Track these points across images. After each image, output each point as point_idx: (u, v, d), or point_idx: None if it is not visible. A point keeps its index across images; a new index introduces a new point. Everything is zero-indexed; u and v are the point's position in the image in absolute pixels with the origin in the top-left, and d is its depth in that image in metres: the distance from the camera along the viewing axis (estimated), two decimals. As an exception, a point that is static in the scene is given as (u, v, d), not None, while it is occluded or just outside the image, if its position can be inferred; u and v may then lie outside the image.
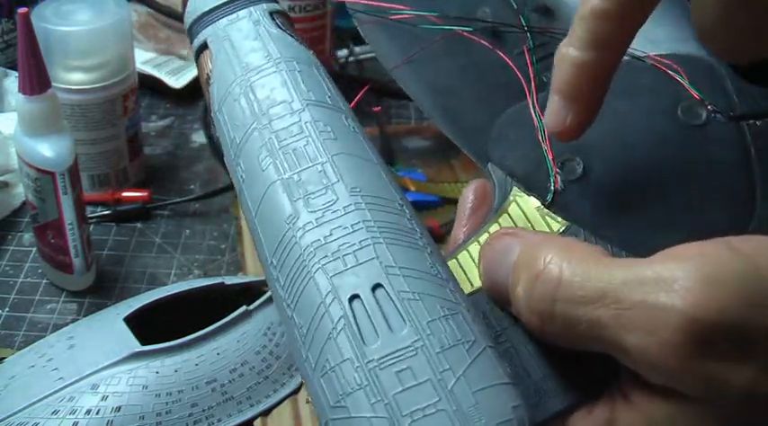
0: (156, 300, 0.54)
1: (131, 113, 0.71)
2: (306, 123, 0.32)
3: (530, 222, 0.34)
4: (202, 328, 0.51)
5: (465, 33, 0.39)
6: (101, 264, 0.66)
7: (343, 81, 0.87)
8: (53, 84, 0.57)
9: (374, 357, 0.26)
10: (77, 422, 0.47)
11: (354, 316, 0.27)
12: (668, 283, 0.24)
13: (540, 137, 0.35)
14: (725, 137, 0.35)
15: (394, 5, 0.40)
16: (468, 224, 0.35)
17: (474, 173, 0.66)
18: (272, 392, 0.51)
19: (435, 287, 0.27)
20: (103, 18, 0.66)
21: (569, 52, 0.31)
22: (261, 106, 0.33)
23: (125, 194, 0.72)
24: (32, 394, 0.48)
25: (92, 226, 0.69)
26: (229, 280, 0.57)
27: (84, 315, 0.61)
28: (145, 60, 0.85)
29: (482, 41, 0.39)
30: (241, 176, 0.32)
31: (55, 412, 0.47)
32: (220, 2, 0.37)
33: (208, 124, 0.81)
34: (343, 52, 0.90)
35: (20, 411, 0.48)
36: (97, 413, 0.47)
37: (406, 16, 0.39)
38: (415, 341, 0.26)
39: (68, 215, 0.59)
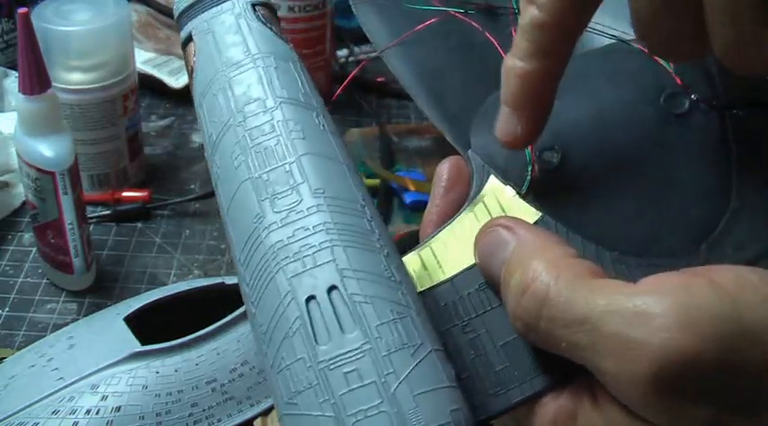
0: (156, 300, 0.54)
1: (131, 113, 0.71)
2: (278, 122, 0.32)
3: (504, 211, 0.33)
4: (202, 328, 0.51)
5: (457, 14, 0.39)
6: (101, 264, 0.66)
7: (343, 81, 0.87)
8: (53, 84, 0.57)
9: (325, 357, 0.27)
10: (77, 422, 0.47)
11: (310, 317, 0.27)
12: (646, 318, 0.25)
13: None
14: (706, 127, 0.35)
15: None
16: (441, 203, 0.35)
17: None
18: (272, 392, 0.51)
19: (387, 290, 0.28)
20: (103, 18, 0.66)
21: (514, 63, 0.31)
22: (237, 103, 0.33)
23: (125, 194, 0.72)
24: (32, 394, 0.48)
25: (92, 226, 0.69)
26: (229, 280, 0.57)
27: (84, 315, 0.61)
28: (145, 60, 0.85)
29: (472, 23, 0.38)
30: (216, 172, 0.33)
31: (55, 412, 0.47)
32: None
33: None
34: (343, 52, 0.90)
35: (20, 411, 0.48)
36: (97, 413, 0.47)
37: None
38: (364, 343, 0.27)
39: (68, 215, 0.59)
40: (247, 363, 0.51)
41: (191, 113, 0.84)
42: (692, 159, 0.34)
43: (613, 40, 0.38)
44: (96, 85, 0.67)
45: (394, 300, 0.28)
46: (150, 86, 0.84)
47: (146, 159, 0.76)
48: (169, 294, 0.55)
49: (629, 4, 0.30)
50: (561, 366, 0.29)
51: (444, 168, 0.35)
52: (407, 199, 0.72)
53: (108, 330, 0.52)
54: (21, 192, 0.70)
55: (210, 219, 0.72)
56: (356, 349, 0.27)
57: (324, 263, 0.28)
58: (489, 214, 0.34)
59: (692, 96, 0.36)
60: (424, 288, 0.32)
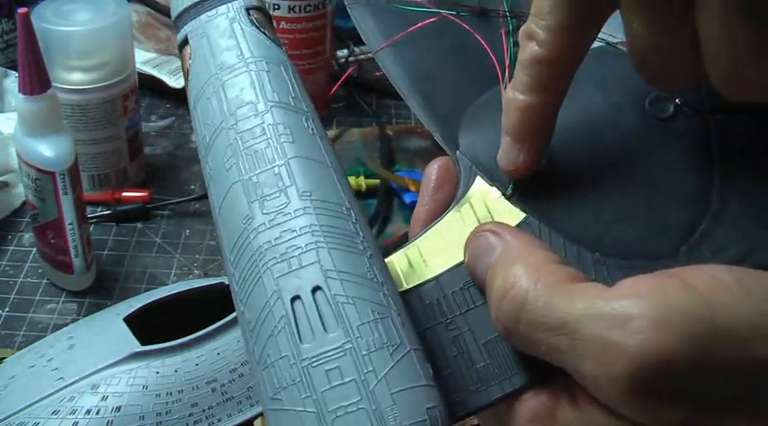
0: (156, 300, 0.54)
1: (131, 113, 0.71)
2: (268, 125, 0.33)
3: (490, 213, 0.34)
4: (202, 328, 0.51)
5: (449, 16, 0.39)
6: (101, 264, 0.66)
7: (343, 81, 0.87)
8: (53, 84, 0.57)
9: (308, 355, 0.28)
10: (77, 422, 0.47)
11: (295, 316, 0.28)
12: (623, 321, 0.26)
13: None
14: (690, 130, 0.36)
15: None
16: (430, 203, 0.36)
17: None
18: (272, 392, 0.51)
19: (369, 291, 0.29)
20: (103, 18, 0.66)
21: (515, 96, 0.33)
22: (230, 106, 0.34)
23: (125, 194, 0.72)
24: (32, 394, 0.48)
25: (92, 226, 0.69)
26: (229, 280, 0.57)
27: (84, 315, 0.61)
28: (145, 60, 0.85)
29: (464, 25, 0.39)
30: (209, 174, 0.34)
31: (55, 413, 0.48)
32: None
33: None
34: (343, 52, 0.90)
35: (20, 411, 0.48)
36: (97, 413, 0.47)
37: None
38: (345, 342, 0.28)
39: (68, 215, 0.59)
40: (247, 363, 0.51)
41: (191, 113, 0.84)
42: (676, 162, 0.35)
43: (601, 44, 0.38)
44: (96, 85, 0.67)
45: (375, 301, 0.29)
46: (150, 86, 0.84)
47: (146, 159, 0.76)
48: (169, 294, 0.55)
49: (625, 34, 0.31)
50: (541, 364, 0.29)
51: (433, 169, 0.36)
52: (407, 199, 0.72)
53: (108, 330, 0.52)
54: (21, 192, 0.70)
55: (210, 219, 0.71)
56: (338, 347, 0.28)
57: (309, 265, 0.29)
58: (475, 214, 0.34)
59: (677, 100, 0.36)
60: (410, 286, 0.33)
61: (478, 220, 0.34)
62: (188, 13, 0.38)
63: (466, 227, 0.34)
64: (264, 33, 0.37)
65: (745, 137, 0.35)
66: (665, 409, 0.26)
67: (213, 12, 0.37)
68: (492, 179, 0.35)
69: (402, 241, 0.68)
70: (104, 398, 0.48)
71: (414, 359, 0.28)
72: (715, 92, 0.37)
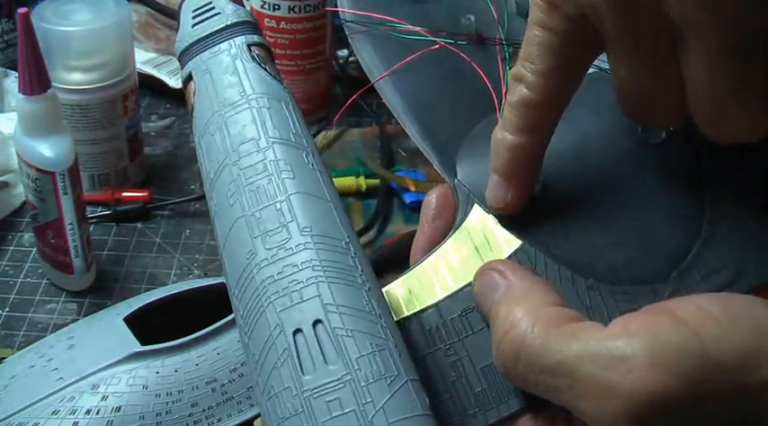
0: (156, 300, 0.55)
1: (131, 113, 0.71)
2: (270, 162, 0.34)
3: (487, 240, 0.35)
4: (202, 328, 0.51)
5: (447, 45, 0.40)
6: (101, 264, 0.66)
7: (343, 81, 0.87)
8: (53, 84, 0.57)
9: (309, 387, 0.29)
10: (77, 422, 0.47)
11: (297, 349, 0.29)
12: (617, 361, 0.27)
13: None
14: (681, 157, 0.36)
15: (384, 16, 0.40)
16: (429, 230, 0.37)
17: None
18: (272, 392, 0.51)
19: (368, 323, 0.30)
20: (103, 18, 0.66)
21: (504, 136, 0.34)
22: (233, 142, 0.35)
23: (125, 194, 0.72)
24: (32, 394, 0.48)
25: (92, 226, 0.69)
26: (229, 280, 0.57)
27: (84, 315, 0.61)
28: (145, 60, 0.85)
29: (461, 54, 0.40)
30: (214, 209, 0.35)
31: (55, 413, 0.48)
32: (204, 34, 0.39)
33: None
34: (343, 52, 0.90)
35: (20, 411, 0.48)
36: (97, 413, 0.47)
37: (397, 29, 0.40)
38: (345, 374, 0.29)
39: (68, 215, 0.59)
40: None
41: (190, 113, 0.84)
42: (667, 188, 0.36)
43: (595, 70, 0.39)
44: (96, 85, 0.67)
45: (373, 333, 0.30)
46: (150, 86, 0.84)
47: (146, 159, 0.76)
48: (169, 294, 0.55)
49: (611, 77, 0.31)
50: None
51: (432, 197, 0.38)
52: (407, 199, 0.72)
53: (108, 330, 0.52)
54: (21, 192, 0.70)
55: (209, 216, 0.72)
56: (338, 379, 0.29)
57: (310, 299, 0.30)
58: (472, 242, 0.35)
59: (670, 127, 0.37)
60: (410, 313, 0.34)
61: (476, 248, 0.35)
62: (192, 50, 0.39)
63: (464, 255, 0.35)
64: (266, 69, 0.38)
65: (736, 163, 0.36)
66: None
67: (216, 48, 0.38)
68: (489, 206, 0.36)
69: (402, 241, 0.68)
70: (104, 398, 0.48)
71: (411, 390, 0.29)
72: None
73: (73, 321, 0.61)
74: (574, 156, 0.37)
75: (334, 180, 0.77)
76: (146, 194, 0.72)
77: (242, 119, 0.36)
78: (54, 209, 0.59)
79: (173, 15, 0.89)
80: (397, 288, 0.35)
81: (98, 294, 0.64)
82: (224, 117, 0.36)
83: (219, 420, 0.50)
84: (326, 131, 0.80)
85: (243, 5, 0.41)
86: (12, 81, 0.80)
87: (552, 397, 0.29)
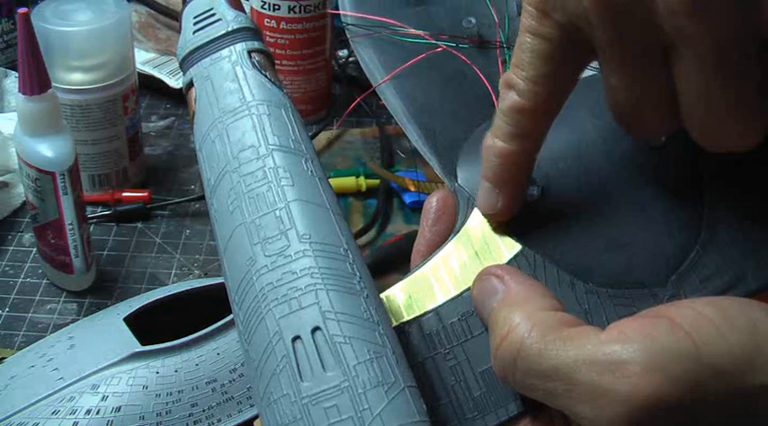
0: (156, 300, 0.54)
1: (131, 113, 0.71)
2: (269, 169, 0.34)
3: (487, 244, 0.35)
4: (202, 328, 0.51)
5: (448, 48, 0.40)
6: (101, 264, 0.66)
7: (343, 81, 0.87)
8: (53, 84, 0.56)
9: (308, 393, 0.29)
10: (77, 422, 0.47)
11: (295, 356, 0.30)
12: (613, 366, 0.27)
13: None
14: (681, 160, 0.36)
15: (386, 19, 0.40)
16: (429, 235, 0.37)
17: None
18: (272, 392, 0.51)
19: (366, 330, 0.30)
20: (103, 18, 0.66)
21: (494, 143, 0.34)
22: (233, 149, 0.35)
23: (125, 194, 0.72)
24: (32, 394, 0.48)
25: (92, 226, 0.69)
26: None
27: (85, 315, 0.61)
28: (145, 60, 0.85)
29: (462, 57, 0.40)
30: (214, 215, 0.35)
31: (55, 412, 0.48)
32: (205, 40, 0.39)
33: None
34: (343, 52, 0.90)
35: (20, 411, 0.48)
36: (97, 413, 0.47)
37: (399, 32, 0.40)
38: (343, 381, 0.29)
39: (68, 215, 0.59)
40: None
41: (190, 114, 0.84)
42: (666, 191, 0.36)
43: (595, 72, 0.38)
44: (96, 85, 0.67)
45: (371, 340, 0.30)
46: (150, 86, 0.84)
47: (146, 159, 0.76)
48: (169, 294, 0.55)
49: (604, 87, 0.31)
50: None
51: (433, 201, 0.38)
52: (407, 199, 0.72)
53: (108, 330, 0.52)
54: (21, 192, 0.70)
55: (210, 221, 0.72)
56: (336, 386, 0.29)
57: (308, 306, 0.30)
58: (472, 246, 0.35)
59: None
60: (410, 317, 0.34)
61: (476, 252, 0.35)
62: (193, 56, 0.39)
63: (464, 259, 0.35)
64: (266, 76, 0.38)
65: (735, 166, 0.36)
66: None
67: (217, 55, 0.39)
68: (481, 212, 0.35)
69: (402, 241, 0.68)
70: (104, 398, 0.48)
71: (408, 397, 0.29)
72: None
73: (73, 321, 0.61)
74: (573, 160, 0.37)
75: (334, 180, 0.77)
76: (146, 194, 0.72)
77: (242, 126, 0.36)
78: (54, 209, 0.59)
79: (173, 15, 0.89)
80: (397, 293, 0.35)
81: (98, 294, 0.64)
82: (224, 124, 0.36)
83: (219, 420, 0.50)
84: (327, 131, 0.80)
85: (244, 12, 0.41)
86: (12, 81, 0.80)
87: (550, 402, 0.29)
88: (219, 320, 0.52)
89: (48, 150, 0.57)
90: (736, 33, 0.27)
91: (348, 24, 0.41)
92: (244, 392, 0.51)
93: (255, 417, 0.50)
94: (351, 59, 0.90)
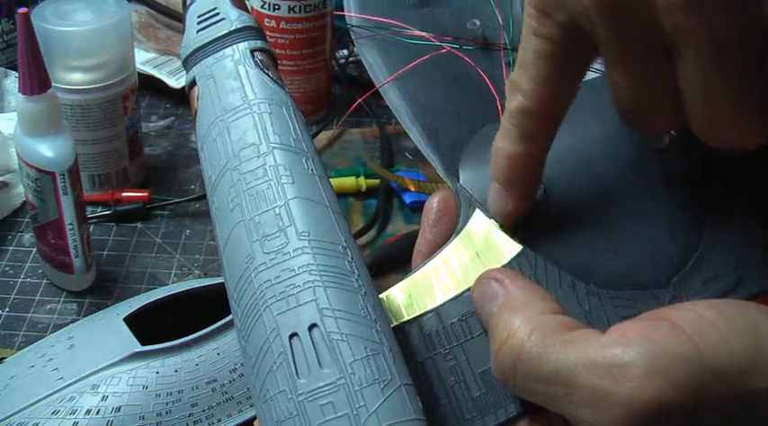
0: (156, 300, 0.54)
1: (131, 113, 0.71)
2: (270, 167, 0.34)
3: (488, 245, 0.35)
4: (202, 328, 0.51)
5: (453, 50, 0.40)
6: (101, 264, 0.66)
7: (343, 81, 0.87)
8: (53, 84, 0.56)
9: (304, 390, 0.29)
10: (77, 422, 0.47)
11: (292, 353, 0.30)
12: (614, 369, 0.27)
13: None
14: (684, 162, 0.36)
15: (390, 20, 0.41)
16: (430, 235, 0.37)
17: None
18: (272, 392, 0.51)
19: (363, 328, 0.30)
20: (103, 18, 0.66)
21: (503, 145, 0.34)
22: (234, 147, 0.35)
23: (125, 194, 0.72)
24: (32, 394, 0.48)
25: (92, 226, 0.69)
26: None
27: (85, 315, 0.61)
28: (145, 60, 0.85)
29: (466, 58, 0.40)
30: (215, 213, 0.35)
31: (55, 412, 0.48)
32: (208, 40, 0.39)
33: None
34: (343, 52, 0.90)
35: (20, 411, 0.48)
36: (97, 413, 0.47)
37: (403, 33, 0.40)
38: (339, 378, 0.29)
39: (68, 215, 0.59)
40: (247, 363, 0.51)
41: (190, 113, 0.84)
42: (669, 193, 0.36)
43: (597, 74, 0.38)
44: (96, 85, 0.67)
45: (368, 338, 0.30)
46: (150, 86, 0.84)
47: (146, 159, 0.76)
48: (169, 294, 0.55)
49: (608, 84, 0.31)
50: None
51: (434, 201, 0.37)
52: (407, 199, 0.72)
53: (108, 330, 0.52)
54: (21, 192, 0.70)
55: (210, 219, 0.72)
56: (332, 383, 0.29)
57: (306, 303, 0.30)
58: (474, 247, 0.35)
59: (672, 131, 0.36)
60: (410, 317, 0.34)
61: (477, 253, 0.35)
62: (196, 55, 0.40)
63: (465, 259, 0.35)
64: (268, 74, 0.38)
65: (738, 168, 0.36)
66: None
67: (220, 54, 0.39)
68: (491, 214, 0.35)
69: (402, 241, 0.68)
70: (104, 398, 0.48)
71: (404, 394, 0.29)
72: None
73: (73, 321, 0.61)
74: (576, 161, 0.37)
75: (334, 180, 0.77)
76: (146, 194, 0.72)
77: (243, 124, 0.36)
78: (54, 209, 0.59)
79: (173, 15, 0.89)
80: (397, 293, 0.35)
81: (98, 294, 0.64)
82: (226, 122, 0.36)
83: (219, 420, 0.50)
84: (327, 131, 0.80)
85: (248, 11, 0.41)
86: (12, 81, 0.80)
87: (550, 405, 0.29)
88: (219, 320, 0.52)
89: (48, 150, 0.57)
90: (736, 27, 0.27)
91: (352, 26, 0.42)
92: (244, 392, 0.51)
93: (255, 417, 0.50)
94: (351, 59, 0.90)
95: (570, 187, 0.36)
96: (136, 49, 0.71)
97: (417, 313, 0.34)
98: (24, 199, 0.66)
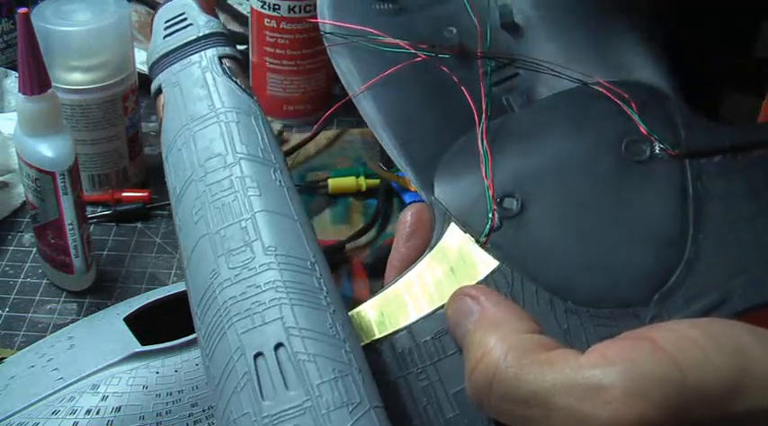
0: (156, 300, 0.54)
1: (131, 113, 0.71)
2: (236, 178, 0.33)
3: (463, 260, 0.34)
4: (202, 328, 0.51)
5: (428, 58, 0.39)
6: (101, 264, 0.66)
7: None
8: (53, 84, 0.56)
9: (269, 413, 0.28)
10: (77, 422, 0.47)
11: (257, 373, 0.28)
12: (594, 391, 0.26)
13: (484, 171, 0.36)
14: (665, 175, 0.35)
15: (365, 28, 0.40)
16: (404, 249, 0.36)
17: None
18: (272, 392, 0.51)
19: (331, 348, 0.29)
20: (103, 18, 0.66)
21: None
22: (199, 157, 0.34)
23: (125, 194, 0.72)
24: (32, 394, 0.48)
25: (92, 226, 0.69)
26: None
27: (85, 315, 0.61)
28: (145, 60, 0.85)
29: (442, 67, 0.39)
30: (179, 225, 0.34)
31: (55, 412, 0.47)
32: (175, 46, 0.38)
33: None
34: (343, 52, 0.90)
35: (20, 411, 0.48)
36: (97, 413, 0.47)
37: (377, 41, 0.39)
38: (305, 401, 0.28)
39: (68, 215, 0.59)
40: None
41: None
42: (650, 207, 0.35)
43: (577, 83, 0.38)
44: (96, 85, 0.67)
45: (336, 358, 0.29)
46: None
47: (146, 159, 0.76)
48: (169, 294, 0.55)
49: None
50: None
51: (407, 215, 0.37)
52: (407, 199, 0.72)
53: (108, 330, 0.52)
54: (21, 192, 0.70)
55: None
56: (298, 406, 0.28)
57: (272, 321, 0.29)
58: (448, 262, 0.34)
59: (654, 143, 0.36)
60: (382, 335, 0.33)
61: (451, 268, 0.34)
62: (163, 62, 0.39)
63: (439, 275, 0.34)
64: (236, 82, 0.37)
65: (721, 181, 0.35)
66: None
67: (187, 60, 0.38)
68: (466, 225, 0.35)
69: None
70: (104, 398, 0.48)
71: (373, 417, 0.28)
72: (692, 135, 0.36)
73: (73, 321, 0.61)
74: (555, 173, 0.35)
75: (334, 180, 0.77)
76: (146, 194, 0.72)
77: (210, 133, 0.35)
78: (54, 209, 0.59)
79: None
80: (368, 310, 0.34)
81: (98, 294, 0.64)
82: (192, 131, 0.35)
83: (219, 420, 0.50)
84: (327, 131, 0.80)
85: (216, 17, 0.40)
86: (12, 81, 0.80)
87: None
88: (219, 320, 0.52)
89: (48, 150, 0.57)
90: None
91: (326, 33, 0.40)
92: (244, 392, 0.51)
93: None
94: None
95: (548, 201, 0.35)
96: (136, 49, 0.71)
97: (389, 330, 0.33)
98: (24, 199, 0.66)
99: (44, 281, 0.65)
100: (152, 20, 0.41)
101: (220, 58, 0.38)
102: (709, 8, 0.55)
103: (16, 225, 0.70)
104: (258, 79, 0.81)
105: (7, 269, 0.66)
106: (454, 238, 0.35)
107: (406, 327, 0.33)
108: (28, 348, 0.54)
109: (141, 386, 0.48)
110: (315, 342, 0.29)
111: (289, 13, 0.77)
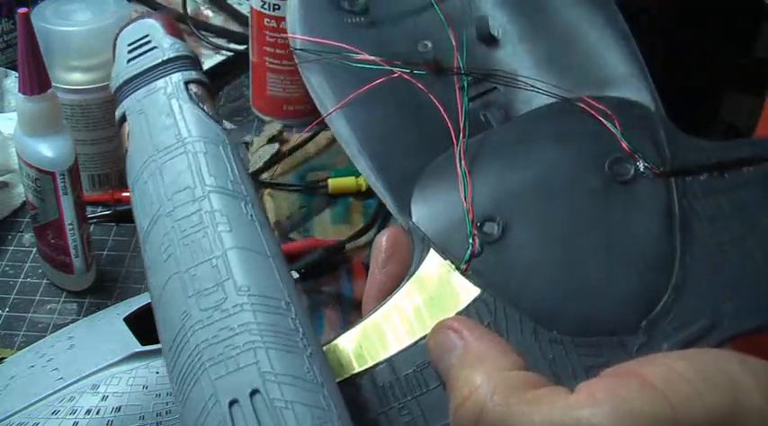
0: (156, 300, 0.54)
1: (131, 113, 0.71)
2: (205, 213, 0.32)
3: (444, 288, 0.33)
4: (202, 328, 0.51)
5: (403, 74, 0.37)
6: (101, 264, 0.66)
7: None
8: (53, 84, 0.56)
9: None
10: (77, 422, 0.47)
11: (233, 421, 0.27)
12: None
13: (463, 195, 0.34)
14: (650, 195, 0.34)
15: (337, 43, 0.38)
16: (381, 276, 0.35)
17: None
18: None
19: (309, 394, 0.28)
20: (103, 18, 0.66)
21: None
22: (167, 191, 0.33)
23: (125, 194, 0.72)
24: (32, 394, 0.48)
25: (92, 226, 0.69)
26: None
27: (85, 315, 0.61)
28: (145, 60, 0.85)
29: (418, 85, 0.37)
30: (147, 263, 0.33)
31: (55, 412, 0.47)
32: (139, 70, 0.37)
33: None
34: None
35: (20, 411, 0.48)
36: (97, 413, 0.47)
37: (351, 57, 0.38)
38: None
39: (68, 215, 0.59)
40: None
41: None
42: (636, 229, 0.33)
43: (558, 100, 0.37)
44: (97, 85, 0.67)
45: (315, 405, 0.28)
46: (150, 86, 0.84)
47: (146, 159, 0.76)
48: (169, 294, 0.55)
49: None
50: None
51: (382, 239, 0.35)
52: (407, 199, 0.72)
53: (108, 330, 0.52)
54: (21, 192, 0.70)
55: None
56: None
57: (247, 366, 0.28)
58: (427, 291, 0.33)
59: (638, 163, 0.35)
60: (361, 369, 0.32)
61: (431, 297, 0.33)
62: (127, 88, 0.37)
63: (419, 304, 0.33)
64: (203, 109, 0.35)
65: (708, 200, 0.34)
66: None
67: (152, 86, 0.36)
68: (446, 251, 0.33)
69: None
70: (104, 398, 0.48)
71: None
72: (676, 153, 0.35)
73: (73, 321, 0.61)
74: (536, 196, 0.34)
75: (334, 180, 0.77)
76: (146, 194, 0.72)
77: (177, 165, 0.33)
78: (54, 209, 0.59)
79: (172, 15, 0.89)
80: (347, 343, 0.33)
81: (98, 294, 0.64)
82: (158, 162, 0.34)
83: (219, 420, 0.50)
84: (327, 131, 0.80)
85: (182, 39, 0.38)
86: (12, 81, 0.80)
87: None
88: (219, 320, 0.52)
89: (48, 150, 0.57)
90: None
91: (296, 49, 0.39)
92: (244, 392, 0.50)
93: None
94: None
95: (530, 224, 0.34)
96: (136, 49, 0.71)
97: (369, 364, 0.32)
98: (24, 199, 0.66)
99: (44, 281, 0.65)
100: (115, 41, 0.39)
101: (186, 84, 0.36)
102: (712, 8, 0.55)
103: (16, 225, 0.70)
104: (258, 79, 0.81)
105: (7, 269, 0.66)
106: (434, 265, 0.33)
107: (386, 360, 0.32)
108: (28, 348, 0.54)
109: (141, 386, 0.48)
110: (292, 388, 0.28)
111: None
